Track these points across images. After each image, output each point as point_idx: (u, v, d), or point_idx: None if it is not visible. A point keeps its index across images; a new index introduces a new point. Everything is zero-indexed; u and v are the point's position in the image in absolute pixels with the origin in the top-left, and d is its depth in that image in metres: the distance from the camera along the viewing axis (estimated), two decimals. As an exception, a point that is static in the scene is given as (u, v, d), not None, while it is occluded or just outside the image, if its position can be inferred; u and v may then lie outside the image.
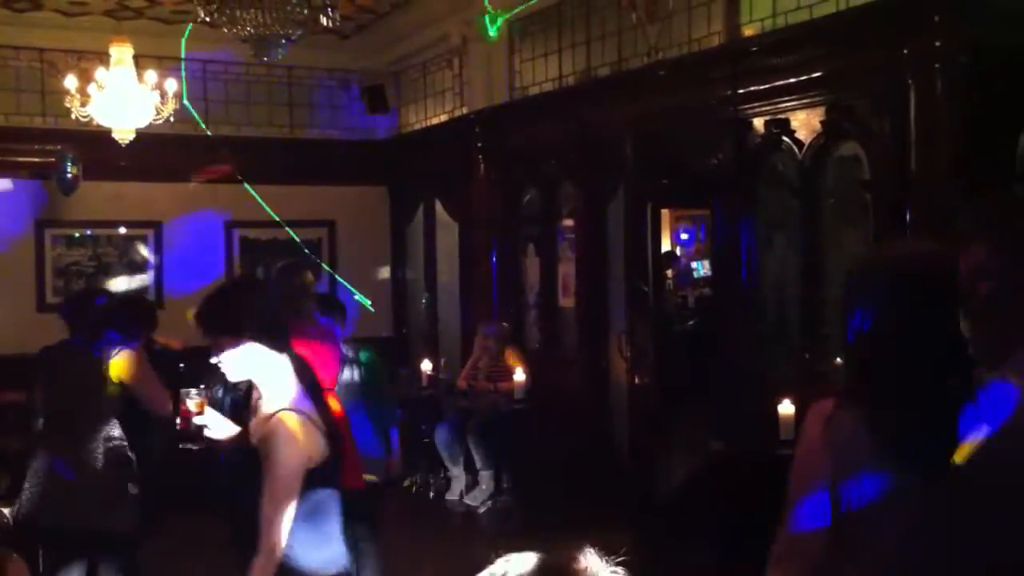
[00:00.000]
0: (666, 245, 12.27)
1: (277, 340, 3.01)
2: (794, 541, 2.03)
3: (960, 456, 1.90)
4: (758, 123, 6.05)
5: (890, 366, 1.99)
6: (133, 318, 5.15)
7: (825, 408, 2.06)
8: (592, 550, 1.32)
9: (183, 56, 8.72)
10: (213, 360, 2.99)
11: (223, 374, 3.06)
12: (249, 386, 3.13)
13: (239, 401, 3.90)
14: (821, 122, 5.65)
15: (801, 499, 2.04)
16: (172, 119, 7.47)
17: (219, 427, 3.29)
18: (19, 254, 8.67)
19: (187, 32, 8.28)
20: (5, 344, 7.80)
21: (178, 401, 3.63)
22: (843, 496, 1.99)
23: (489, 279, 8.51)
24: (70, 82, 7.14)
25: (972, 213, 2.20)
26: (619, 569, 1.31)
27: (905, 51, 5.09)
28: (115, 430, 4.55)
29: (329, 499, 3.01)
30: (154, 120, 7.37)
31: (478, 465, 7.80)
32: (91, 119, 7.26)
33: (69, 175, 8.35)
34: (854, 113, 5.46)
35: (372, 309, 9.32)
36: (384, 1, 8.66)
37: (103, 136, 7.42)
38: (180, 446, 5.40)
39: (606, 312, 7.44)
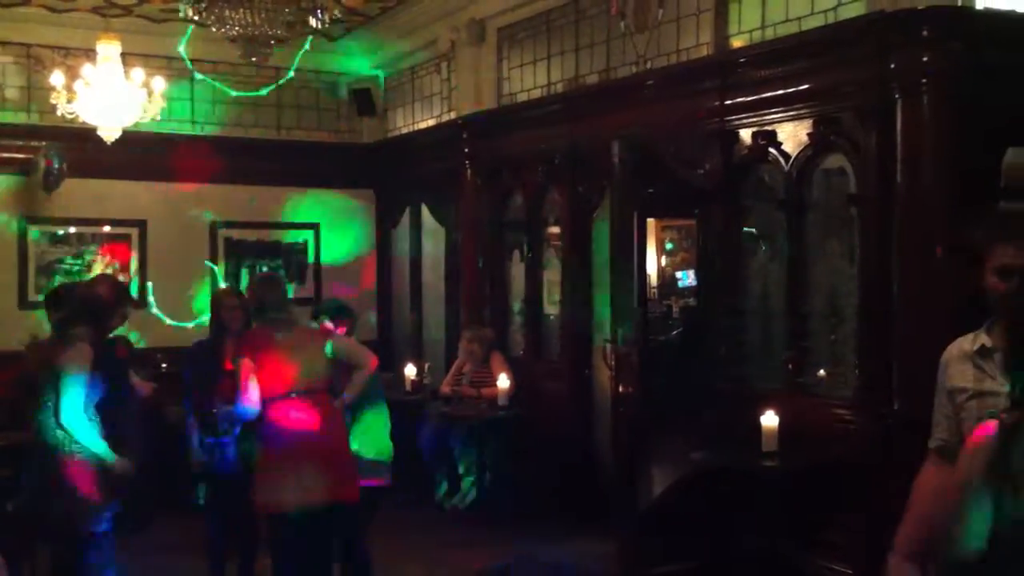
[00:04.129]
0: (652, 254, 12.26)
1: None
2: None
3: None
4: (745, 134, 6.06)
5: None
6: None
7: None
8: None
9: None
10: None
11: None
12: None
13: None
14: (808, 134, 5.66)
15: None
16: (158, 118, 7.44)
17: None
18: (2, 250, 8.60)
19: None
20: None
21: None
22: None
23: (475, 285, 8.49)
24: (56, 78, 7.10)
25: (996, 219, 2.70)
26: None
27: (892, 65, 5.11)
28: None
29: None
30: (140, 118, 7.34)
31: (461, 470, 7.77)
32: (77, 116, 7.23)
33: (53, 172, 8.29)
34: (841, 126, 5.48)
35: None
36: (374, 5, 8.65)
37: (88, 133, 7.39)
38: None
39: (591, 320, 7.43)
